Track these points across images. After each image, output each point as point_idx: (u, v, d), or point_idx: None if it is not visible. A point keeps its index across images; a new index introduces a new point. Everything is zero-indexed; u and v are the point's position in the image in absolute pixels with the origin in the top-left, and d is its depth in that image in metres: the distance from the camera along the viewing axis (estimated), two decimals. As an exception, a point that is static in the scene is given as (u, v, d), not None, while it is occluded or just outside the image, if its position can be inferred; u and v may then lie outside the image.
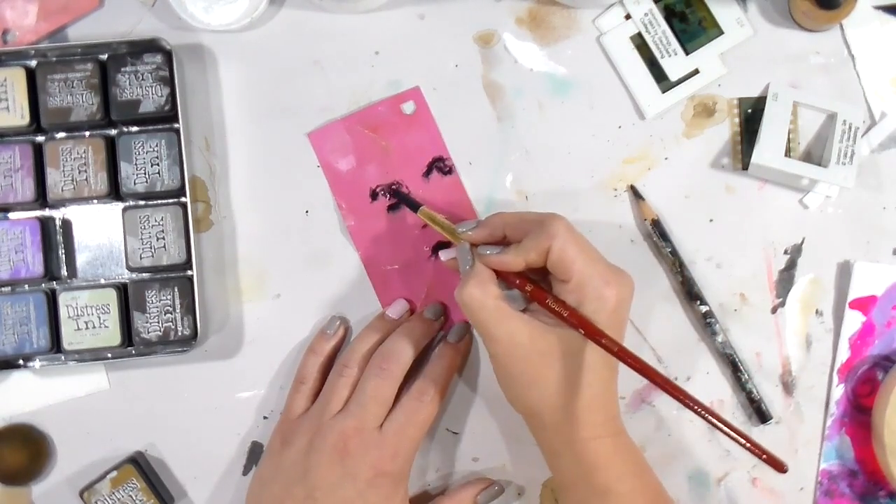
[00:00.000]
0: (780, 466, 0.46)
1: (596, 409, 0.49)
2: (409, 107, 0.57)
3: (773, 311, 0.57)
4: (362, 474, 0.50)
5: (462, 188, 0.57)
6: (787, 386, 0.57)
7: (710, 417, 0.47)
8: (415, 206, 0.55)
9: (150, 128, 0.55)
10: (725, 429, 0.46)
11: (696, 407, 0.47)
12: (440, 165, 0.57)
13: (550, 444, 0.51)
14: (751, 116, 0.57)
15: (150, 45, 0.55)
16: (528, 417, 0.52)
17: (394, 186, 0.56)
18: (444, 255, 0.56)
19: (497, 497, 0.56)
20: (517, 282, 0.50)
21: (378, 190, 0.57)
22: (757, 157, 0.55)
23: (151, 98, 0.54)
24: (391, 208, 0.57)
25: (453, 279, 0.56)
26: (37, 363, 0.55)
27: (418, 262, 0.57)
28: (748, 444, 0.46)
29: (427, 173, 0.57)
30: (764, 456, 0.46)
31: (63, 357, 0.55)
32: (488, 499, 0.55)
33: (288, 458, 0.52)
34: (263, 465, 0.54)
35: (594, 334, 0.48)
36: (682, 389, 0.47)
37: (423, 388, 0.53)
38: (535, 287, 0.50)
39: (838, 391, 0.57)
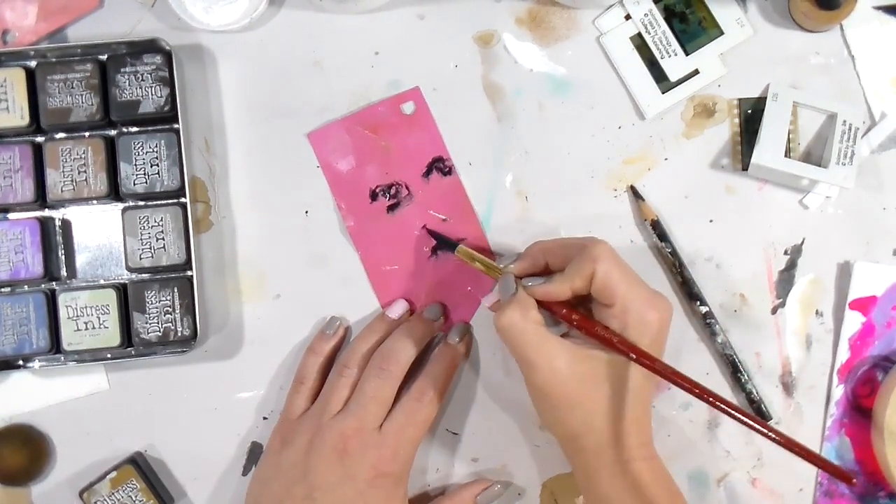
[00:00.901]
0: (848, 479, 0.45)
1: (636, 432, 0.49)
2: (408, 107, 0.57)
3: (773, 311, 0.57)
4: (362, 474, 0.50)
5: (462, 188, 0.57)
6: (787, 386, 0.57)
7: (783, 442, 0.46)
8: (452, 245, 0.55)
9: (150, 128, 0.55)
10: (801, 452, 0.46)
11: (768, 432, 0.46)
12: (440, 166, 0.57)
13: (588, 467, 0.50)
14: (751, 117, 0.57)
15: (150, 46, 0.55)
16: (567, 441, 0.51)
17: (426, 227, 0.57)
18: (486, 300, 0.56)
19: (497, 497, 0.56)
20: (563, 312, 0.50)
21: (378, 190, 0.57)
22: (757, 157, 0.55)
23: (151, 98, 0.54)
24: (390, 209, 0.57)
25: (453, 279, 0.56)
26: (36, 364, 0.55)
27: (418, 263, 0.57)
28: (822, 464, 0.46)
29: (427, 174, 0.57)
30: (832, 470, 0.46)
31: (63, 357, 0.55)
32: (489, 499, 0.55)
33: (287, 458, 0.52)
34: (263, 465, 0.54)
35: (647, 359, 0.47)
36: (744, 411, 0.46)
37: (423, 388, 0.53)
38: (581, 317, 0.49)
39: (838, 392, 0.57)
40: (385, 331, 0.55)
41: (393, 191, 0.57)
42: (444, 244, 0.56)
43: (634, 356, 0.47)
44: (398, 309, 0.56)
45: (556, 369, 0.48)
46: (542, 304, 0.50)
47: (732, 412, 0.46)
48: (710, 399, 0.47)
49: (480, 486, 0.56)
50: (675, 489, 0.51)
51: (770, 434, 0.46)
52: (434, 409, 0.53)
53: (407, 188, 0.57)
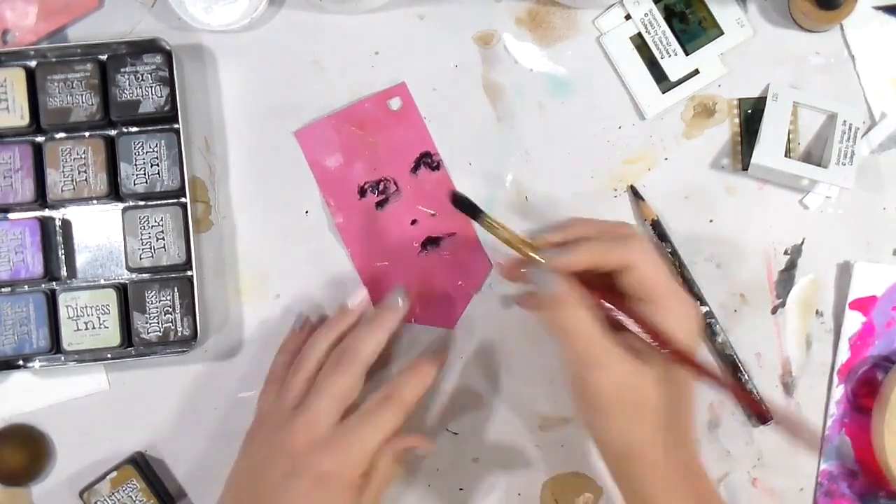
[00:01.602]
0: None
1: (688, 441, 0.47)
2: (395, 103, 0.57)
3: (773, 311, 0.57)
4: (308, 472, 0.48)
5: (450, 183, 0.57)
6: (787, 386, 0.57)
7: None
8: (477, 211, 0.49)
9: (150, 128, 0.55)
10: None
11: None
12: (428, 161, 0.57)
13: (642, 480, 0.46)
14: (751, 117, 0.57)
15: (150, 46, 0.55)
16: (612, 448, 0.47)
17: (453, 192, 0.50)
18: (515, 298, 0.54)
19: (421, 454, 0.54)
20: (623, 309, 0.46)
21: (366, 187, 0.57)
22: (757, 157, 0.55)
23: (151, 98, 0.54)
24: (379, 205, 0.57)
25: (444, 274, 0.56)
26: (36, 363, 0.55)
27: (408, 258, 0.57)
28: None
29: (415, 169, 0.57)
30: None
31: (63, 357, 0.55)
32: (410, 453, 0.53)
33: (249, 455, 0.52)
34: (234, 465, 0.53)
35: (694, 366, 0.45)
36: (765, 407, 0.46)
37: (388, 397, 0.50)
38: (641, 319, 0.46)
39: (838, 391, 0.57)
40: (346, 323, 0.54)
41: (381, 187, 0.57)
42: (470, 211, 0.49)
43: (688, 361, 0.45)
44: (356, 299, 0.55)
45: (621, 373, 0.45)
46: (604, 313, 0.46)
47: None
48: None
49: (405, 441, 0.52)
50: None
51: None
52: (395, 416, 0.50)
53: (395, 184, 0.57)
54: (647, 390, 0.45)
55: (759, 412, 0.45)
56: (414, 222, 0.57)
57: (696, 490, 0.46)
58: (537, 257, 0.47)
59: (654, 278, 0.46)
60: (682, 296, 0.47)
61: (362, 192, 0.57)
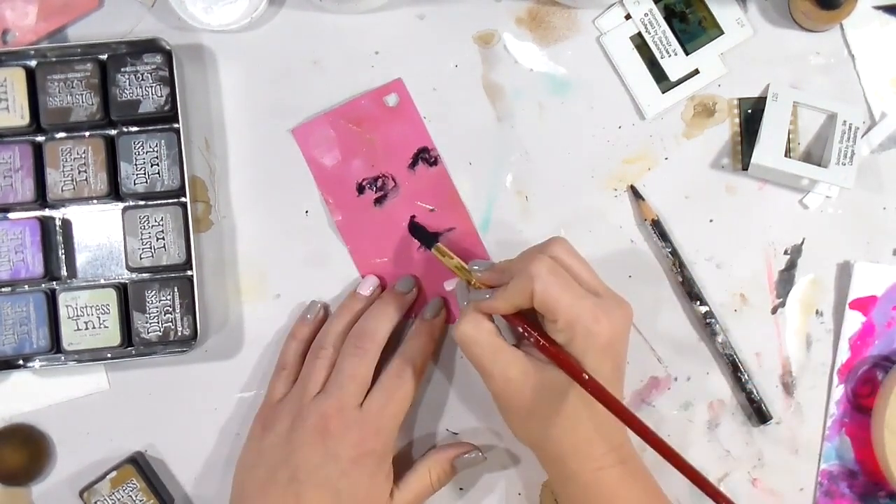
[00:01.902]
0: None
1: (596, 441, 0.49)
2: (392, 99, 0.57)
3: (773, 311, 0.57)
4: (345, 453, 0.50)
5: (448, 178, 0.57)
6: (787, 386, 0.57)
7: (692, 475, 0.46)
8: (430, 241, 0.55)
9: (150, 128, 0.55)
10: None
11: (676, 461, 0.46)
12: (425, 156, 0.57)
13: (557, 475, 0.51)
14: (751, 116, 0.57)
15: (150, 46, 0.55)
16: (533, 449, 0.52)
17: (413, 218, 0.57)
18: (447, 285, 0.57)
19: (477, 464, 0.55)
20: (511, 320, 0.50)
21: (364, 183, 0.57)
22: (757, 157, 0.55)
23: (151, 98, 0.54)
24: (378, 201, 0.57)
25: (444, 270, 0.56)
26: (37, 363, 0.55)
27: (407, 254, 0.57)
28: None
29: (413, 165, 0.57)
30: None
31: (63, 357, 0.55)
32: (468, 464, 0.55)
33: (269, 442, 0.52)
34: (245, 452, 0.54)
35: (574, 373, 0.47)
36: (660, 438, 0.47)
37: (402, 365, 0.53)
38: (526, 326, 0.50)
39: (838, 391, 0.57)
40: (358, 309, 0.55)
41: (379, 183, 0.57)
42: (423, 239, 0.56)
43: (564, 370, 0.48)
44: (369, 285, 0.56)
45: (509, 379, 0.49)
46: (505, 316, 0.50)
47: (653, 441, 0.46)
48: (637, 427, 0.47)
49: (460, 448, 0.55)
50: (655, 490, 0.51)
51: (677, 462, 0.46)
52: (414, 385, 0.53)
53: (393, 180, 0.57)
54: (542, 394, 0.49)
55: (659, 452, 0.46)
56: (413, 218, 0.57)
57: (603, 486, 0.49)
58: (473, 288, 0.52)
59: (553, 301, 0.47)
60: (594, 310, 0.48)
61: (360, 188, 0.57)
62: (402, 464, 0.56)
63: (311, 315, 0.56)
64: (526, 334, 0.50)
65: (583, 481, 0.49)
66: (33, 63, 0.55)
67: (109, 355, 0.55)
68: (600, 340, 0.48)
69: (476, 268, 0.52)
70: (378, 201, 0.57)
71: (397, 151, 0.57)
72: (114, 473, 0.55)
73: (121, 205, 0.56)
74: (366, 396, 0.52)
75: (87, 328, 0.54)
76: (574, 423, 0.49)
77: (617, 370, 0.49)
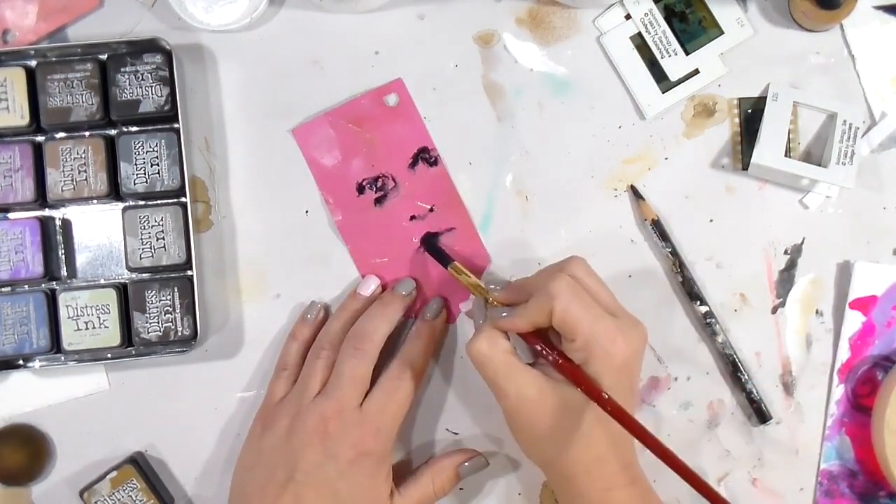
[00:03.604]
0: None
1: (608, 461, 0.49)
2: (392, 99, 0.57)
3: (773, 311, 0.57)
4: (344, 454, 0.50)
5: (448, 178, 0.57)
6: (787, 386, 0.57)
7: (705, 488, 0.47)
8: (445, 260, 0.55)
9: (150, 128, 0.55)
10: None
11: (695, 481, 0.46)
12: (425, 156, 0.57)
13: (567, 494, 0.51)
14: (751, 116, 0.57)
15: (150, 45, 0.55)
16: (543, 468, 0.52)
17: (427, 235, 0.57)
18: (464, 306, 0.57)
19: (481, 469, 0.55)
20: (529, 338, 0.50)
21: (364, 183, 0.57)
22: (757, 157, 0.55)
23: (151, 98, 0.54)
24: (378, 201, 0.57)
25: (442, 271, 0.56)
26: (37, 363, 0.55)
27: (407, 255, 0.57)
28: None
29: (413, 164, 0.57)
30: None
31: (63, 357, 0.55)
32: (472, 470, 0.55)
33: (269, 442, 0.52)
34: (245, 452, 0.54)
35: (593, 392, 0.47)
36: (677, 458, 0.47)
37: (401, 366, 0.53)
38: (543, 344, 0.50)
39: (838, 391, 0.57)
40: (358, 309, 0.55)
41: (379, 183, 0.57)
42: (438, 257, 0.55)
43: (582, 389, 0.48)
44: (369, 285, 0.56)
45: (524, 397, 0.49)
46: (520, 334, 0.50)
47: (672, 463, 0.47)
48: (657, 448, 0.47)
49: (464, 455, 0.55)
50: None
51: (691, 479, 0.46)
52: (413, 386, 0.53)
53: (393, 180, 0.57)
54: (556, 413, 0.49)
55: (675, 470, 0.47)
56: (413, 218, 0.57)
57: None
58: (489, 305, 0.52)
59: (573, 321, 0.48)
60: (612, 331, 0.48)
61: (360, 188, 0.57)
62: (403, 465, 0.56)
63: (312, 315, 0.56)
64: (544, 353, 0.49)
65: (593, 500, 0.49)
66: (33, 63, 0.55)
67: (109, 355, 0.55)
68: (617, 361, 0.48)
69: (493, 286, 0.52)
70: (378, 201, 0.57)
71: (397, 151, 0.57)
72: (114, 473, 0.55)
73: (121, 205, 0.56)
74: (365, 397, 0.52)
75: (87, 328, 0.54)
76: (587, 443, 0.49)
77: (631, 391, 0.50)
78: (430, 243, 0.57)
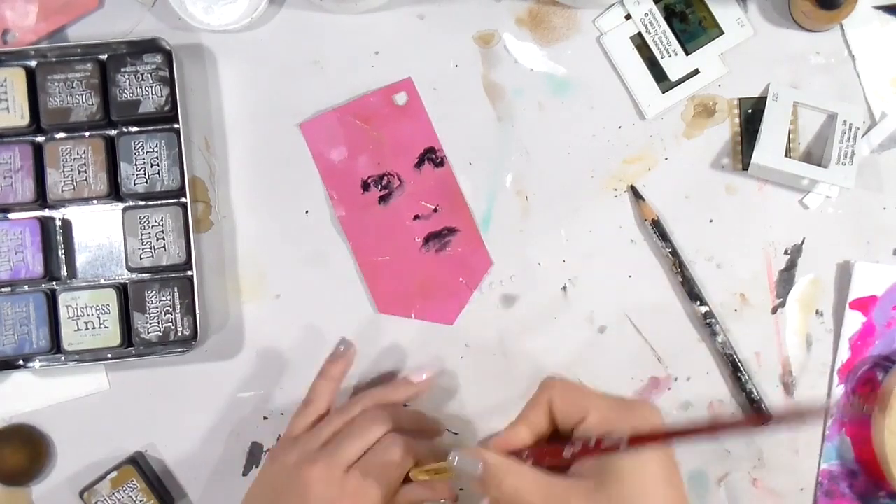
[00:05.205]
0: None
1: None
2: (401, 97, 0.57)
3: (773, 311, 0.57)
4: None
5: (454, 179, 0.57)
6: (788, 386, 0.57)
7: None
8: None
9: (150, 128, 0.55)
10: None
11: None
12: (432, 157, 0.57)
13: None
14: (751, 116, 0.57)
15: (150, 45, 0.55)
16: None
17: (382, 183, 0.55)
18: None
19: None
20: (539, 456, 0.44)
21: (369, 181, 0.57)
22: (757, 157, 0.55)
23: (151, 98, 0.54)
24: (382, 199, 0.57)
25: (445, 271, 0.56)
26: (37, 363, 0.55)
27: (409, 254, 0.57)
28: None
29: (419, 164, 0.57)
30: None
31: (63, 357, 0.55)
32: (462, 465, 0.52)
33: (273, 475, 0.52)
34: (256, 479, 0.53)
35: (652, 438, 0.42)
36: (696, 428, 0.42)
37: (394, 437, 0.51)
38: (561, 448, 0.43)
39: (838, 391, 0.57)
40: (403, 396, 0.55)
41: (385, 181, 0.57)
42: None
43: (642, 443, 0.42)
44: (419, 375, 0.56)
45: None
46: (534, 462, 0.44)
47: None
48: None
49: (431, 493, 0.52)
50: None
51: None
52: (405, 459, 0.51)
53: (399, 179, 0.57)
54: None
55: (752, 422, 0.42)
56: (416, 217, 0.57)
57: None
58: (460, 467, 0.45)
59: (577, 399, 0.43)
60: (621, 401, 0.44)
61: (365, 185, 0.57)
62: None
63: (342, 353, 0.56)
64: (571, 456, 0.43)
65: None
66: (33, 63, 0.55)
67: (109, 355, 0.55)
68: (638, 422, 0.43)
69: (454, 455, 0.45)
70: (382, 199, 0.57)
71: (404, 150, 0.57)
72: (114, 473, 0.55)
73: (121, 205, 0.56)
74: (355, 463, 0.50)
75: (87, 328, 0.54)
76: None
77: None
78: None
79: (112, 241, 0.56)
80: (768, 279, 0.57)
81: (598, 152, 0.58)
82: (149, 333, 0.54)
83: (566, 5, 0.58)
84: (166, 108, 0.54)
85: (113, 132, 0.56)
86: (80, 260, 0.56)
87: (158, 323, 0.54)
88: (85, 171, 0.54)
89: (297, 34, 0.58)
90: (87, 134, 0.55)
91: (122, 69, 0.54)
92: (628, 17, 0.58)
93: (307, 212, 0.57)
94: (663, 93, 0.57)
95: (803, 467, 0.57)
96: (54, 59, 0.55)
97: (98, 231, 0.56)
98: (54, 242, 0.56)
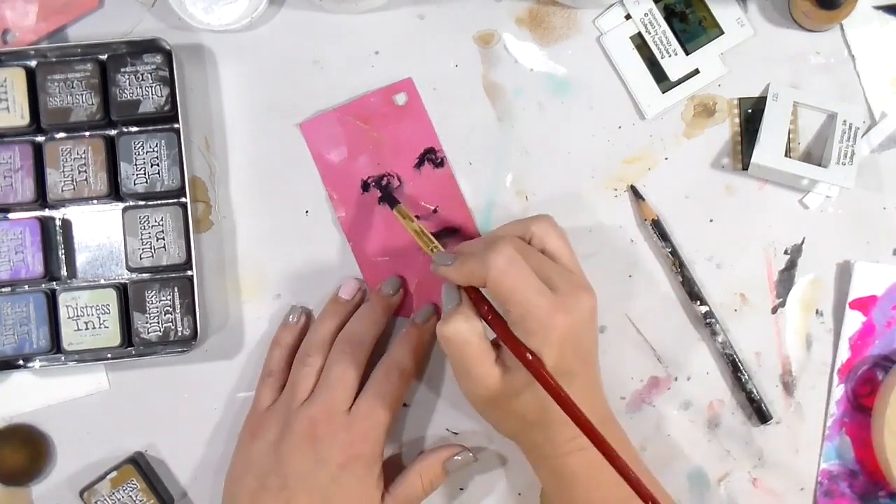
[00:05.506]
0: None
1: (568, 425, 0.47)
2: (401, 98, 0.57)
3: (773, 311, 0.57)
4: (334, 459, 0.50)
5: (454, 180, 0.57)
6: (788, 386, 0.57)
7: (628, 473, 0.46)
8: (392, 202, 0.55)
9: (150, 128, 0.55)
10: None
11: (616, 462, 0.46)
12: (432, 157, 0.57)
13: (531, 462, 0.52)
14: (751, 116, 0.57)
15: (150, 45, 0.55)
16: (511, 438, 0.52)
17: (384, 181, 0.57)
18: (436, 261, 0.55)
19: (468, 465, 0.55)
20: (468, 290, 0.50)
21: (369, 181, 0.57)
22: (757, 157, 0.55)
23: (151, 98, 0.54)
24: (381, 200, 0.57)
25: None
26: (37, 363, 0.55)
27: (409, 254, 0.57)
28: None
29: (419, 165, 0.57)
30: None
31: (63, 357, 0.55)
32: (459, 465, 0.54)
33: (258, 450, 0.52)
34: (235, 461, 0.54)
35: (517, 351, 0.47)
36: (607, 444, 0.46)
37: (390, 369, 0.53)
38: (479, 297, 0.49)
39: (838, 391, 0.57)
40: (342, 313, 0.55)
41: (384, 182, 0.57)
42: (387, 199, 0.56)
43: (529, 370, 0.47)
44: (349, 288, 0.56)
45: (487, 386, 0.49)
46: (474, 303, 0.49)
47: (602, 446, 0.46)
48: (591, 434, 0.46)
49: (451, 451, 0.54)
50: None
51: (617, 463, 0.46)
52: (402, 389, 0.53)
53: (398, 179, 0.57)
54: (512, 399, 0.49)
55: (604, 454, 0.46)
56: (416, 218, 0.57)
57: (568, 470, 0.50)
58: (431, 254, 0.52)
59: (506, 293, 0.47)
60: (551, 305, 0.47)
61: (365, 186, 0.57)
62: (398, 466, 0.56)
63: (294, 319, 0.56)
64: (479, 308, 0.49)
65: (554, 465, 0.50)
66: (33, 63, 0.55)
67: (109, 355, 0.55)
68: (556, 333, 0.46)
69: (437, 246, 0.52)
70: (381, 200, 0.57)
71: (404, 151, 0.57)
72: (114, 473, 0.55)
73: (121, 205, 0.56)
74: (354, 400, 0.52)
75: (87, 328, 0.54)
76: (544, 412, 0.48)
77: (584, 363, 0.49)
78: (382, 187, 0.56)
79: (112, 240, 0.56)
80: (768, 279, 0.57)
81: (598, 152, 0.58)
82: (149, 333, 0.54)
83: (566, 5, 0.58)
84: (166, 108, 0.54)
85: (113, 132, 0.56)
86: (80, 260, 0.56)
87: (158, 323, 0.54)
88: (85, 171, 0.54)
89: (297, 34, 0.58)
90: (87, 134, 0.55)
91: (122, 69, 0.54)
92: (628, 17, 0.58)
93: (307, 212, 0.57)
94: (663, 93, 0.57)
95: (803, 467, 0.57)
96: (54, 59, 0.55)
97: (98, 231, 0.56)
98: (54, 242, 0.56)
